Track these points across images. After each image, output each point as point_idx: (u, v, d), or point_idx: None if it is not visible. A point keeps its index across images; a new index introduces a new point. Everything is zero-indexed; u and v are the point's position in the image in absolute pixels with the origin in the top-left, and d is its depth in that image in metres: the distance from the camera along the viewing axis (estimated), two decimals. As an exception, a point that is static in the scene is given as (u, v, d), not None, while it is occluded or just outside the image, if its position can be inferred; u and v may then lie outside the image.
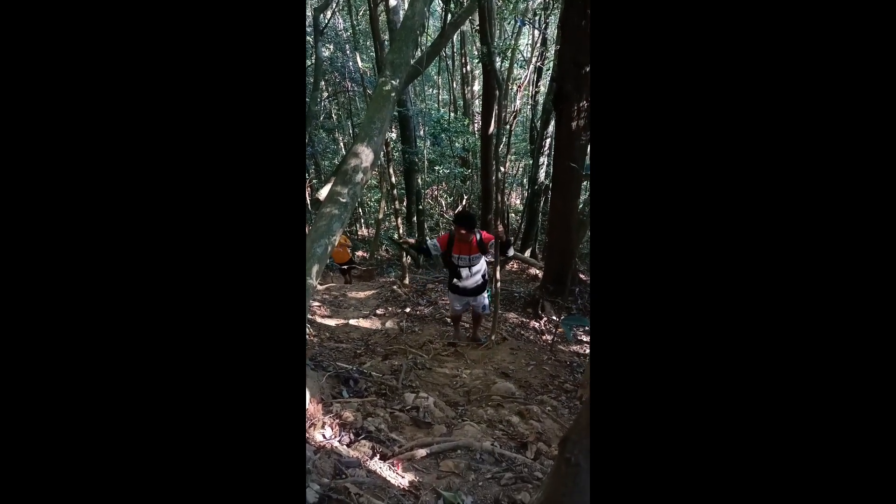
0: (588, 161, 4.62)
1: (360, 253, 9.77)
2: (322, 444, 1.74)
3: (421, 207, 9.78)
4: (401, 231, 6.78)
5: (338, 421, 1.96)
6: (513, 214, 11.26)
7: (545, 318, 4.52)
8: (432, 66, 10.67)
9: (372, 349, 3.60)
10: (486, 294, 3.58)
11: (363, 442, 1.84)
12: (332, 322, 4.40)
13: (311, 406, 1.95)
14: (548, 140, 7.53)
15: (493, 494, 1.64)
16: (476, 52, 9.23)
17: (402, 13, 7.09)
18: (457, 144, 9.26)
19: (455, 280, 3.42)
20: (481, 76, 9.36)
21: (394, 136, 9.48)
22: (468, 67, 10.93)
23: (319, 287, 6.17)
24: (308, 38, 7.74)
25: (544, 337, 4.14)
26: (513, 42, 7.92)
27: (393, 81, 2.70)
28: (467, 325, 4.07)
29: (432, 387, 2.83)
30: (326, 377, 2.45)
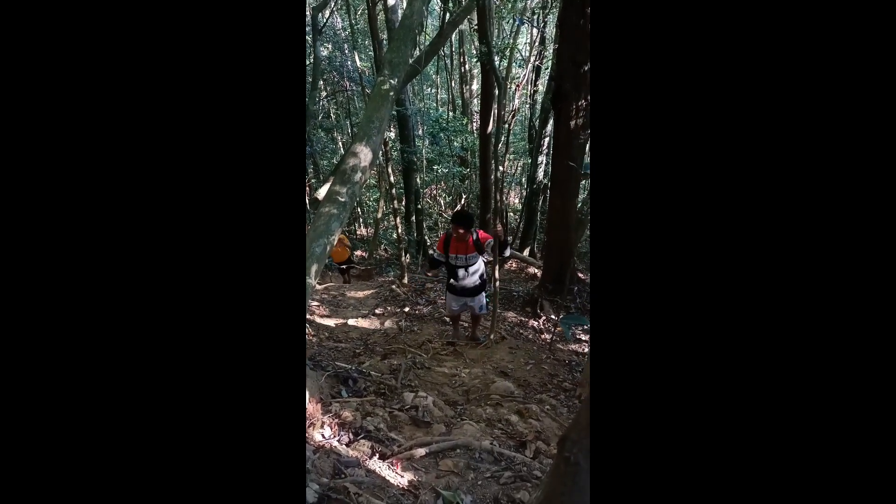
0: (587, 160, 4.62)
1: (358, 252, 9.76)
2: (321, 443, 1.74)
3: (419, 207, 9.77)
4: (399, 230, 6.77)
5: (337, 420, 1.96)
6: (511, 213, 11.26)
7: (544, 317, 4.52)
8: (431, 66, 10.66)
9: (371, 349, 3.60)
10: (484, 294, 3.59)
11: (362, 441, 1.84)
12: (330, 322, 4.39)
13: (310, 406, 1.95)
14: (546, 139, 7.53)
15: (492, 493, 1.64)
16: (474, 51, 9.22)
17: (400, 12, 7.08)
18: (455, 144, 9.26)
19: (452, 280, 3.43)
20: (479, 75, 9.36)
21: (392, 135, 9.47)
22: (466, 66, 10.92)
23: (318, 286, 6.17)
24: (306, 37, 7.72)
25: (543, 336, 4.14)
26: (511, 41, 7.92)
27: (391, 80, 2.70)
28: (466, 325, 4.07)
29: (431, 386, 2.83)
30: (325, 377, 2.45)
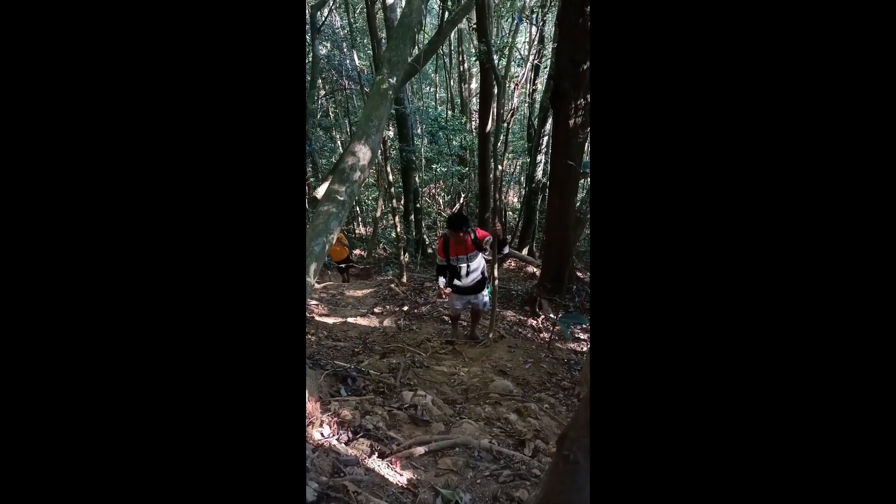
0: (586, 159, 4.63)
1: (357, 251, 9.76)
2: (320, 442, 1.74)
3: (418, 206, 9.77)
4: (398, 229, 6.77)
5: (336, 419, 1.96)
6: (510, 212, 11.27)
7: (543, 316, 4.52)
8: (429, 64, 10.65)
9: (370, 347, 3.60)
10: (486, 291, 3.59)
11: (361, 440, 1.85)
12: (329, 320, 4.39)
13: (309, 404, 1.95)
14: (545, 138, 7.53)
15: (491, 492, 1.64)
16: (473, 50, 9.21)
17: (399, 11, 7.07)
18: (454, 142, 9.25)
19: (455, 280, 3.44)
20: (478, 74, 9.35)
21: (391, 134, 9.46)
22: (465, 65, 10.91)
23: (317, 285, 6.17)
24: (305, 35, 7.71)
25: (542, 335, 4.15)
26: (510, 40, 7.91)
27: (390, 79, 2.70)
28: (465, 324, 4.07)
29: (430, 385, 2.83)
30: (324, 375, 2.45)
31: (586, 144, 4.66)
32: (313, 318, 4.36)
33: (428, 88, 13.28)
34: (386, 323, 4.34)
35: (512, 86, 9.00)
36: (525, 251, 8.14)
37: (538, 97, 8.75)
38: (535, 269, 6.43)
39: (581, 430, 0.85)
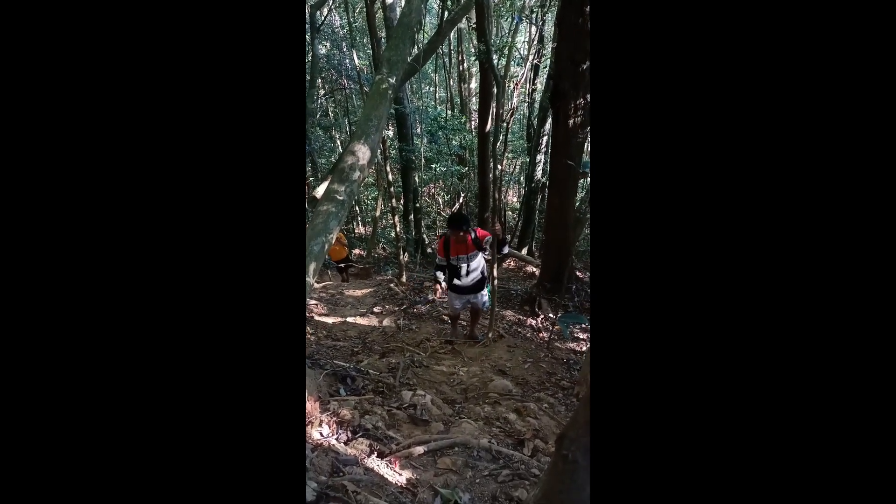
0: (585, 158, 4.63)
1: (357, 251, 9.76)
2: (319, 441, 1.74)
3: (418, 205, 9.77)
4: (398, 229, 6.77)
5: (335, 419, 1.96)
6: (510, 212, 11.27)
7: (542, 316, 4.53)
8: (429, 64, 10.64)
9: (369, 347, 3.60)
10: (485, 290, 3.60)
11: (360, 440, 1.85)
12: (329, 320, 4.39)
13: (309, 404, 1.95)
14: (545, 138, 7.54)
15: (490, 491, 1.64)
16: (473, 50, 9.21)
17: (398, 10, 7.06)
18: (454, 142, 9.25)
19: (455, 280, 3.44)
20: (478, 74, 9.35)
21: (390, 133, 9.46)
22: (465, 65, 10.91)
23: (316, 285, 6.16)
24: (305, 35, 7.70)
25: (541, 334, 4.15)
26: (510, 39, 7.91)
27: (390, 79, 2.70)
28: (465, 323, 4.07)
29: (429, 384, 2.83)
30: (324, 375, 2.45)
31: (586, 144, 4.67)
32: (312, 317, 4.36)
33: (427, 88, 13.27)
34: (385, 322, 4.34)
35: (511, 85, 9.01)
36: (524, 251, 8.14)
37: (538, 97, 8.75)
38: (534, 269, 6.43)
39: (580, 430, 0.85)
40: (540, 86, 8.85)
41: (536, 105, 8.95)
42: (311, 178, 8.68)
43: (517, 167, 11.71)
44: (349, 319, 4.44)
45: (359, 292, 5.90)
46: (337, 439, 1.82)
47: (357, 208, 11.88)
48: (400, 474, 1.66)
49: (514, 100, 9.40)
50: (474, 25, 6.02)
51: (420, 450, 1.82)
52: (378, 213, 8.87)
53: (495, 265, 3.74)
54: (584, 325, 4.14)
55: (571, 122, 4.13)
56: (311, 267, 2.04)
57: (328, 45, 9.49)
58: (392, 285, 5.94)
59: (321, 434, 1.82)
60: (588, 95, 4.04)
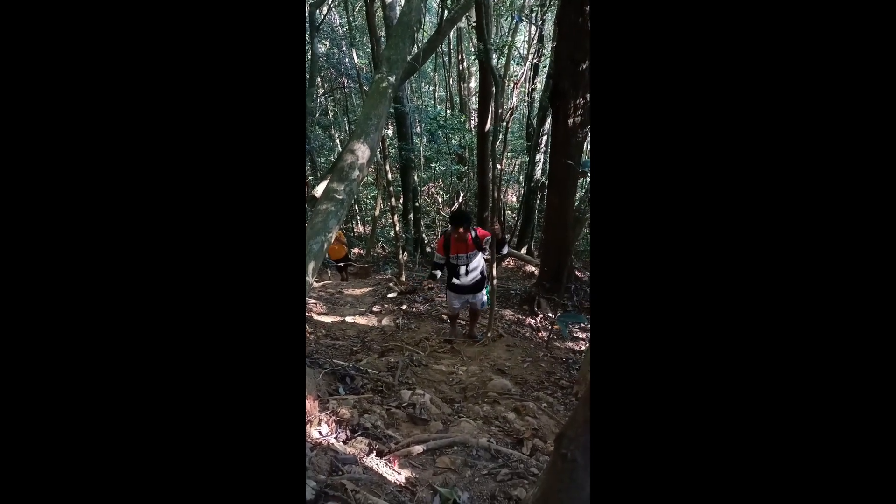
0: (585, 158, 4.63)
1: (356, 250, 9.75)
2: (318, 440, 1.74)
3: (417, 204, 9.77)
4: (397, 228, 6.76)
5: (334, 418, 1.97)
6: (509, 212, 11.27)
7: (541, 315, 4.53)
8: (429, 63, 10.64)
9: (368, 346, 3.60)
10: (484, 290, 3.60)
11: (360, 439, 1.85)
12: (328, 319, 4.39)
13: (308, 403, 1.95)
14: (544, 137, 7.53)
15: (489, 490, 1.64)
16: (472, 49, 9.21)
17: (398, 9, 7.05)
18: (453, 141, 9.25)
19: (454, 279, 3.44)
20: (478, 73, 9.34)
21: (390, 132, 9.45)
22: (464, 64, 10.90)
23: (316, 284, 6.16)
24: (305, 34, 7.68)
25: (540, 334, 4.15)
26: (509, 39, 7.90)
27: (389, 78, 2.69)
28: (464, 323, 4.08)
29: (429, 383, 2.83)
30: (323, 374, 2.45)
31: (585, 143, 4.67)
32: (312, 316, 4.36)
33: (427, 87, 13.27)
34: (384, 322, 4.34)
35: (511, 85, 9.00)
36: (524, 250, 8.15)
37: (537, 96, 8.75)
38: (533, 269, 6.43)
39: (579, 429, 0.86)
40: (539, 85, 8.85)
41: (536, 104, 8.95)
42: (310, 177, 8.68)
43: (517, 166, 11.71)
44: (348, 318, 4.44)
45: (358, 291, 5.90)
46: (336, 438, 1.82)
47: (356, 207, 11.87)
48: (399, 473, 1.66)
49: (514, 99, 9.39)
50: (474, 24, 6.01)
51: (419, 449, 1.82)
52: (377, 213, 8.86)
53: (494, 265, 3.74)
54: (583, 325, 4.14)
55: (571, 121, 4.13)
56: (311, 266, 2.04)
57: (327, 43, 9.48)
58: (391, 284, 5.94)
59: (320, 433, 1.82)
60: (588, 95, 4.04)
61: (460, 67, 10.95)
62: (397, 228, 6.79)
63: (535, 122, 8.43)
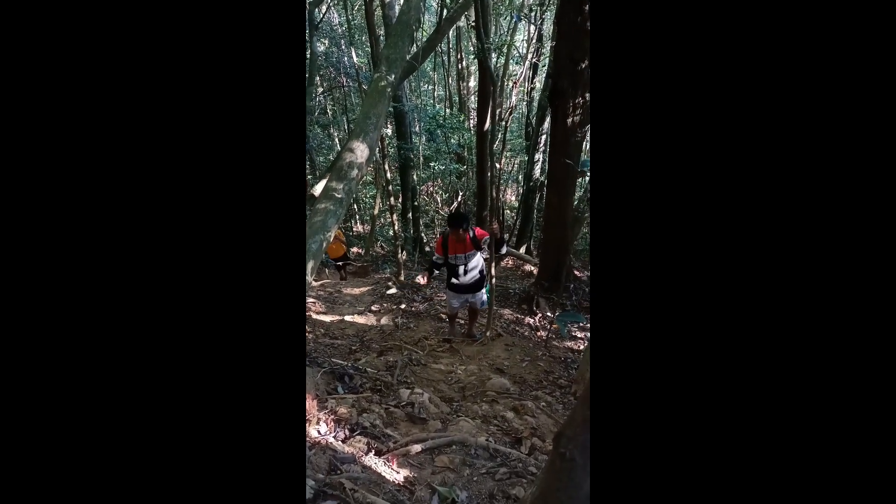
0: (584, 157, 4.63)
1: (355, 249, 9.75)
2: (317, 439, 1.74)
3: (416, 204, 9.76)
4: (396, 227, 6.76)
5: (333, 417, 1.97)
6: (508, 211, 11.27)
7: (540, 315, 4.53)
8: (428, 62, 10.62)
9: (367, 345, 3.60)
10: (484, 290, 3.60)
11: (358, 438, 1.85)
12: (327, 318, 4.39)
13: (307, 402, 1.95)
14: (543, 136, 7.53)
15: (487, 489, 1.65)
16: (472, 48, 9.20)
17: (397, 8, 7.05)
18: (452, 140, 9.24)
19: (453, 279, 3.44)
20: (477, 72, 9.33)
21: (389, 131, 9.44)
22: (464, 63, 10.89)
23: (314, 283, 6.16)
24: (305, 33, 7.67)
25: (539, 333, 4.15)
26: (508, 38, 7.91)
27: (388, 77, 2.69)
28: (463, 322, 4.08)
29: (427, 383, 2.83)
30: (321, 373, 2.45)
31: (584, 143, 4.67)
32: (310, 315, 4.36)
33: (426, 86, 13.25)
34: (383, 321, 4.34)
35: (510, 84, 9.00)
36: (522, 249, 8.15)
37: (536, 96, 8.74)
38: (532, 268, 6.43)
39: (577, 428, 0.86)
40: (539, 84, 8.84)
41: (535, 104, 8.94)
42: (309, 176, 8.67)
43: (516, 166, 11.70)
44: (347, 318, 4.44)
45: (356, 290, 5.90)
46: (335, 437, 1.82)
47: (355, 206, 11.86)
48: (397, 472, 1.66)
49: (513, 98, 9.39)
50: (473, 24, 6.00)
51: (418, 448, 1.82)
52: (376, 212, 8.86)
53: (493, 264, 3.75)
54: (581, 324, 4.15)
55: (570, 120, 4.13)
56: (310, 265, 2.04)
57: (326, 42, 9.46)
58: (390, 283, 5.94)
59: (319, 432, 1.82)
60: (587, 94, 4.04)
61: (459, 66, 10.94)
62: (396, 227, 6.79)
63: (534, 121, 8.43)
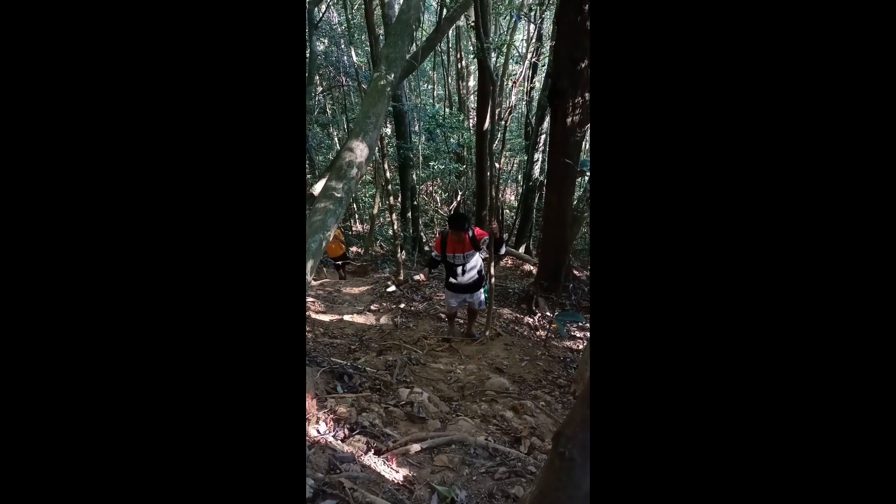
0: (583, 157, 4.63)
1: (354, 248, 9.75)
2: (316, 439, 1.74)
3: (416, 203, 9.76)
4: (395, 227, 6.76)
5: (332, 416, 1.97)
6: (507, 210, 11.27)
7: (539, 314, 4.53)
8: (427, 61, 10.62)
9: (366, 345, 3.60)
10: (482, 290, 3.60)
11: (357, 437, 1.85)
12: (326, 318, 4.39)
13: (306, 401, 1.95)
14: (543, 136, 7.53)
15: (486, 488, 1.65)
16: (471, 48, 9.19)
17: (397, 7, 7.04)
18: (452, 140, 9.24)
19: (451, 278, 3.45)
20: (476, 71, 9.32)
21: (388, 131, 9.44)
22: (463, 63, 10.88)
23: (314, 282, 6.16)
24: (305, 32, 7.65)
25: (538, 332, 4.15)
26: (508, 37, 7.90)
27: (388, 76, 2.69)
28: (462, 321, 4.08)
29: (426, 382, 2.84)
30: (321, 373, 2.45)
31: (584, 143, 4.67)
32: (310, 315, 4.36)
33: (426, 85, 13.24)
34: (382, 320, 4.34)
35: (510, 84, 8.99)
36: (522, 249, 8.15)
37: (536, 95, 8.74)
38: (531, 268, 6.43)
39: (577, 427, 0.86)
40: (538, 84, 8.83)
41: (535, 103, 8.94)
42: (308, 176, 8.66)
43: (515, 165, 11.70)
44: (346, 317, 4.44)
45: (356, 290, 5.90)
46: (334, 436, 1.82)
47: (355, 206, 11.86)
48: (397, 471, 1.66)
49: (513, 98, 9.39)
50: (473, 23, 6.00)
51: (417, 447, 1.82)
52: (376, 211, 8.86)
53: (492, 264, 3.75)
54: (580, 324, 4.15)
55: (570, 120, 4.13)
56: (309, 264, 2.04)
57: (326, 41, 9.45)
58: (389, 283, 5.94)
59: (318, 431, 1.82)
60: (586, 94, 4.04)
61: (459, 66, 10.93)
62: (395, 227, 6.78)
63: (533, 120, 8.43)
